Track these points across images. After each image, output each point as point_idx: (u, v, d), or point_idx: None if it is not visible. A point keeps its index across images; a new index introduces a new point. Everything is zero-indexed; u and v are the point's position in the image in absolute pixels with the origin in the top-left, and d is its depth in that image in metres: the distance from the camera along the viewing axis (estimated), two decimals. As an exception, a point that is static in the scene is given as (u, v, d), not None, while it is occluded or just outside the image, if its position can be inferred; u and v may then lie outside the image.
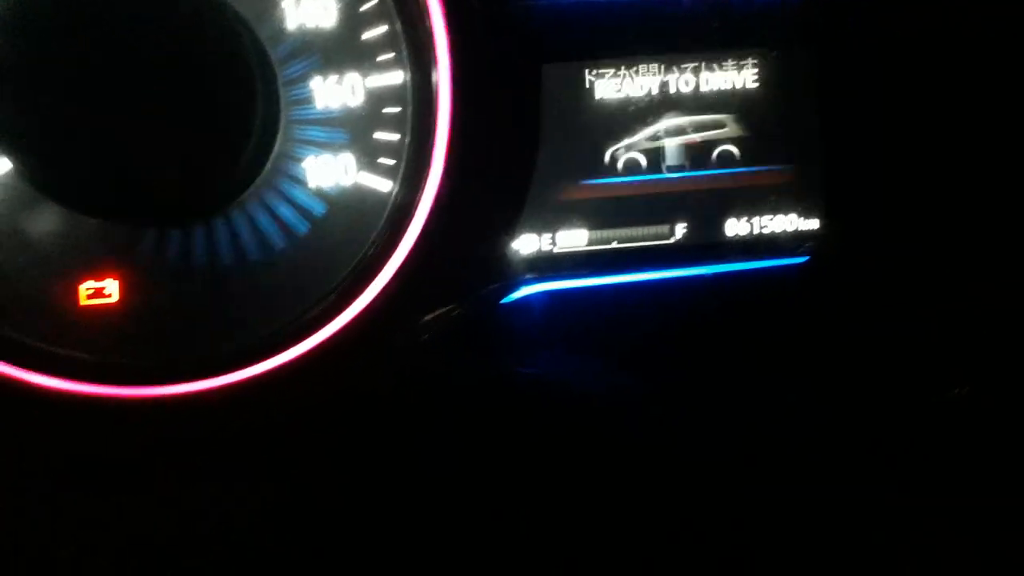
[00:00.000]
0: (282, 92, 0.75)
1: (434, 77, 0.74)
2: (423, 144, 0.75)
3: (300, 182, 0.77)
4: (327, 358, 0.73)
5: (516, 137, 0.80)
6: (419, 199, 0.75)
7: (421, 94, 0.75)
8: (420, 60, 0.74)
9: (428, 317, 0.77)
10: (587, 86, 0.83)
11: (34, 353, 0.69)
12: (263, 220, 0.76)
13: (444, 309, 0.78)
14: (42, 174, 0.69)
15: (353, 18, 0.76)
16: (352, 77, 0.77)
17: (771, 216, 0.88)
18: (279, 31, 0.75)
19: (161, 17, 0.69)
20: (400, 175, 0.76)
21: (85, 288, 0.73)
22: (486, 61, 0.73)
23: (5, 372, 0.68)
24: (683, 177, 0.87)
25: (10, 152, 0.68)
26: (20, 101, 0.67)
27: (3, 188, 0.70)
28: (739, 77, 0.87)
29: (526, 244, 0.84)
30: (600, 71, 0.83)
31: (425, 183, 0.74)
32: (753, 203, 0.88)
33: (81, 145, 0.68)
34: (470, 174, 0.74)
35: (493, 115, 0.75)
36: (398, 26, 0.75)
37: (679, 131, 0.87)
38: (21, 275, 0.72)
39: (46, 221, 0.72)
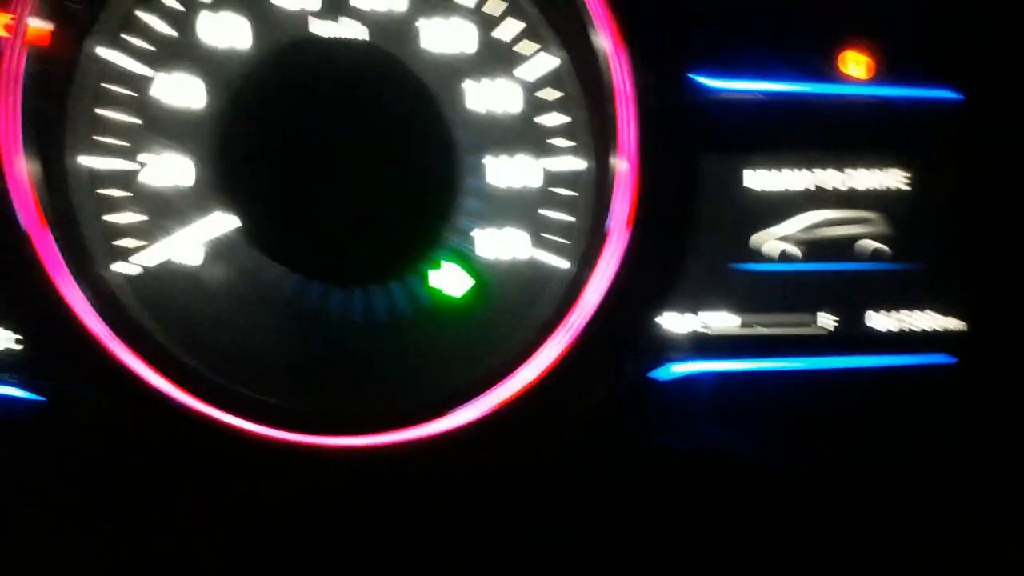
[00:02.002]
0: (464, 169, 0.81)
1: (617, 165, 0.79)
2: (600, 226, 0.80)
3: (472, 252, 0.83)
4: (498, 422, 0.77)
5: (678, 223, 0.84)
6: (592, 278, 0.79)
7: (602, 180, 0.80)
8: (603, 148, 0.80)
9: (588, 389, 0.80)
10: (742, 177, 0.88)
11: (244, 401, 0.75)
12: (437, 285, 0.82)
13: (601, 382, 0.81)
14: (263, 234, 0.76)
15: (536, 106, 0.83)
16: (528, 159, 0.84)
17: (914, 312, 0.90)
18: (466, 114, 0.82)
19: (373, 103, 0.77)
20: (574, 254, 0.82)
21: (285, 339, 0.79)
22: (666, 153, 0.78)
23: (218, 418, 0.73)
24: (828, 269, 0.89)
25: (239, 212, 0.75)
26: (255, 172, 0.76)
27: (226, 242, 0.78)
28: (886, 176, 0.90)
29: (676, 324, 0.87)
30: (755, 163, 0.88)
31: (599, 263, 0.79)
32: (897, 298, 0.90)
33: (298, 211, 0.76)
34: (642, 257, 0.79)
35: (665, 203, 0.79)
36: (582, 116, 0.82)
37: (826, 224, 0.90)
38: (230, 325, 0.79)
39: (258, 276, 0.79)
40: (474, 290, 0.83)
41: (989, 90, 0.90)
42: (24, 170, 0.73)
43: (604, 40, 0.79)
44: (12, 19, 0.71)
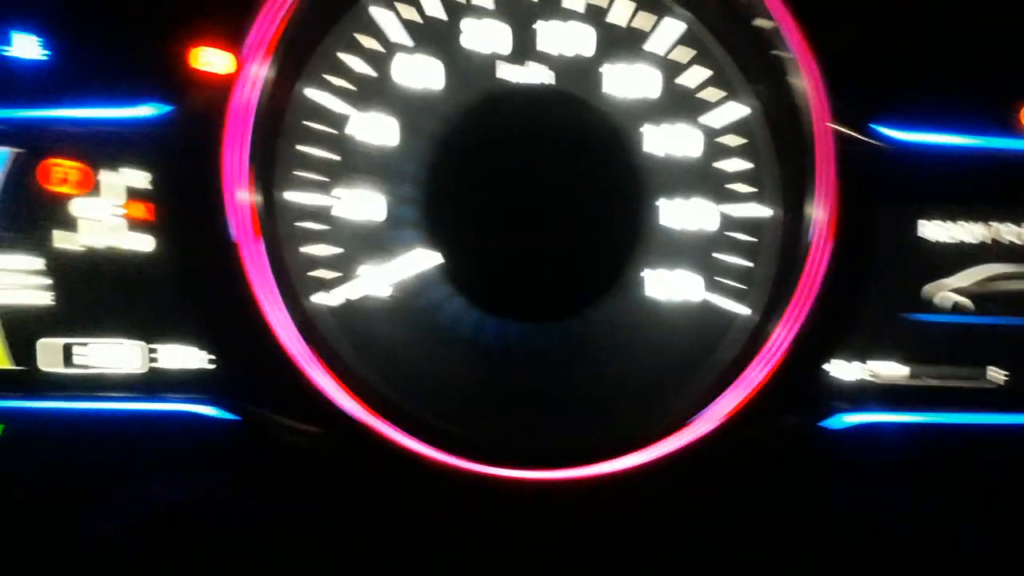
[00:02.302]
0: (642, 210, 0.83)
1: (813, 214, 0.80)
2: (789, 274, 0.80)
3: (646, 293, 0.84)
4: (674, 465, 0.78)
5: (858, 273, 0.83)
6: (778, 325, 0.80)
7: (792, 228, 0.81)
8: (794, 197, 0.81)
9: (765, 435, 0.80)
10: (917, 227, 0.87)
11: (435, 431, 0.78)
12: (617, 323, 0.84)
13: (778, 429, 0.81)
14: (461, 272, 0.79)
15: (717, 151, 0.84)
16: (705, 203, 0.85)
17: (1093, 372, 0.88)
18: (644, 157, 0.84)
19: (564, 146, 0.80)
20: (755, 300, 0.83)
21: (468, 371, 0.82)
22: (856, 202, 0.79)
23: (414, 449, 0.77)
24: (1001, 323, 0.88)
25: (442, 250, 0.79)
26: (457, 211, 0.79)
27: (427, 278, 0.82)
28: (1062, 231, 0.88)
29: (846, 372, 0.87)
30: (930, 214, 0.87)
31: (788, 312, 0.80)
32: (1073, 356, 0.88)
33: (494, 250, 0.79)
34: (826, 307, 0.79)
35: (851, 252, 0.80)
36: (769, 162, 0.83)
37: (1000, 278, 0.88)
38: (417, 356, 0.82)
39: (442, 309, 0.82)
40: (647, 330, 0.84)
41: None
42: (245, 202, 0.77)
43: (804, 88, 0.80)
44: (237, 60, 0.76)
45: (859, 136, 0.81)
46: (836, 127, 0.79)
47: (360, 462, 0.77)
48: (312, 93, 0.82)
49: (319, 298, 0.82)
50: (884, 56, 0.84)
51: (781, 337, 0.79)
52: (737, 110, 0.84)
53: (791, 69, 0.80)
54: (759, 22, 0.81)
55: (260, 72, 0.77)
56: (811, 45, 0.78)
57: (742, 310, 0.83)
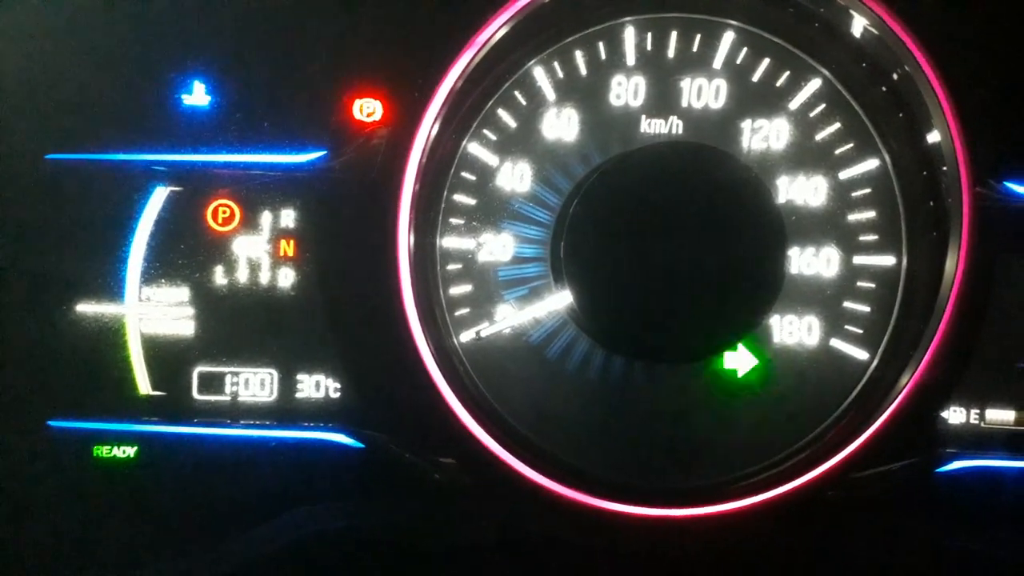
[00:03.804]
0: (784, 260, 0.85)
1: (945, 265, 0.83)
2: (915, 324, 0.84)
3: (771, 337, 0.88)
4: (790, 509, 0.82)
5: (979, 323, 0.85)
6: (901, 374, 0.83)
7: (920, 278, 0.84)
8: (924, 247, 0.84)
9: (880, 481, 0.84)
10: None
11: (568, 469, 0.84)
12: (734, 367, 0.88)
13: (893, 475, 0.84)
14: (593, 315, 0.83)
15: (847, 202, 0.87)
16: (834, 252, 0.88)
17: None
18: (784, 209, 0.87)
19: (704, 197, 0.82)
20: (881, 349, 0.86)
21: (591, 409, 0.87)
22: (988, 254, 0.82)
23: (536, 479, 0.82)
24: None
25: (576, 293, 0.82)
26: (596, 259, 0.82)
27: (558, 319, 0.87)
28: None
29: (961, 419, 0.89)
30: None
31: (909, 360, 0.83)
32: None
33: (628, 297, 0.82)
34: (947, 356, 0.82)
35: (973, 304, 0.83)
36: (898, 214, 0.86)
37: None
38: (545, 393, 0.87)
39: (580, 353, 0.87)
40: (772, 374, 0.87)
41: None
42: (408, 245, 0.82)
43: (940, 136, 0.83)
44: (399, 112, 0.81)
45: (991, 192, 0.83)
46: (971, 183, 0.81)
47: (494, 495, 0.82)
48: (475, 148, 0.87)
49: (462, 336, 0.87)
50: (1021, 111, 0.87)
51: (903, 385, 0.82)
52: (868, 163, 0.87)
53: (926, 124, 0.83)
54: (896, 75, 0.84)
55: (430, 127, 0.82)
56: (950, 99, 0.80)
57: (862, 355, 0.87)
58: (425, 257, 0.85)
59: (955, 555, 0.85)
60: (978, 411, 0.90)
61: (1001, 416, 0.90)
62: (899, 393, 0.83)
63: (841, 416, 0.86)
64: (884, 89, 0.86)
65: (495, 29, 0.82)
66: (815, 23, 0.86)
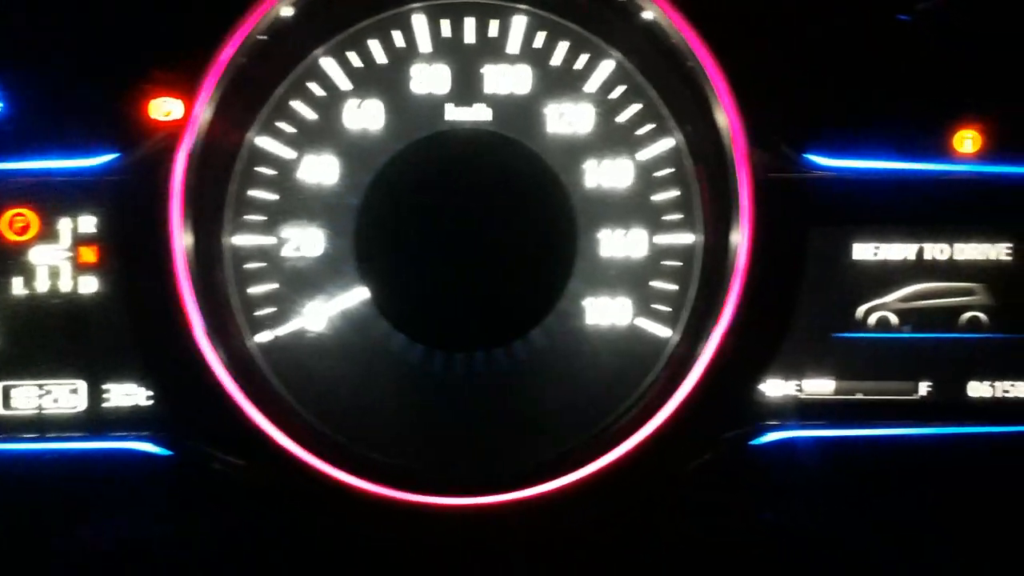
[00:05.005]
0: (578, 242, 0.87)
1: (733, 239, 0.84)
2: (712, 298, 0.85)
3: (580, 320, 0.88)
4: (600, 486, 0.82)
5: (785, 294, 0.87)
6: (701, 348, 0.84)
7: (714, 253, 0.85)
8: (715, 223, 0.85)
9: (690, 455, 0.85)
10: (851, 250, 0.90)
11: (366, 463, 0.83)
12: (544, 351, 0.88)
13: (703, 449, 0.85)
14: (391, 305, 0.83)
15: (650, 182, 0.88)
16: (641, 232, 0.88)
17: (1018, 383, 0.92)
18: (584, 191, 0.88)
19: (498, 185, 0.84)
20: (682, 324, 0.87)
21: (404, 402, 0.86)
22: (777, 227, 0.83)
23: (334, 475, 0.81)
24: (930, 338, 0.91)
25: (371, 285, 0.83)
26: (387, 248, 0.83)
27: (355, 312, 0.86)
28: (992, 249, 0.91)
29: (776, 391, 0.90)
30: (863, 237, 0.90)
31: (709, 334, 0.84)
32: (998, 368, 0.91)
33: (425, 284, 0.83)
34: (748, 328, 0.83)
35: (774, 275, 0.84)
36: (695, 191, 0.87)
37: (930, 295, 0.92)
38: (355, 390, 0.86)
39: (381, 343, 0.86)
40: (579, 355, 0.88)
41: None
42: (183, 246, 0.80)
43: (724, 119, 0.84)
44: (185, 105, 0.80)
45: (781, 162, 0.85)
46: (754, 154, 0.82)
47: (292, 494, 0.82)
48: (262, 141, 0.86)
49: (259, 336, 0.86)
50: (816, 85, 0.87)
51: (704, 359, 0.83)
52: (665, 142, 0.88)
53: (713, 106, 0.84)
54: (685, 61, 0.85)
55: (208, 119, 0.81)
56: (729, 81, 0.82)
57: (666, 332, 0.88)
58: (211, 256, 0.84)
59: (767, 529, 0.87)
60: (797, 383, 0.92)
61: (820, 387, 0.92)
62: (700, 368, 0.84)
63: (644, 394, 0.87)
64: (675, 73, 0.87)
65: (273, 15, 0.81)
66: (606, 8, 0.86)
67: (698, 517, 0.86)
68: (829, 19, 0.87)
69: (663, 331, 0.88)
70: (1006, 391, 0.92)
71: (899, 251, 0.91)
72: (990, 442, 0.91)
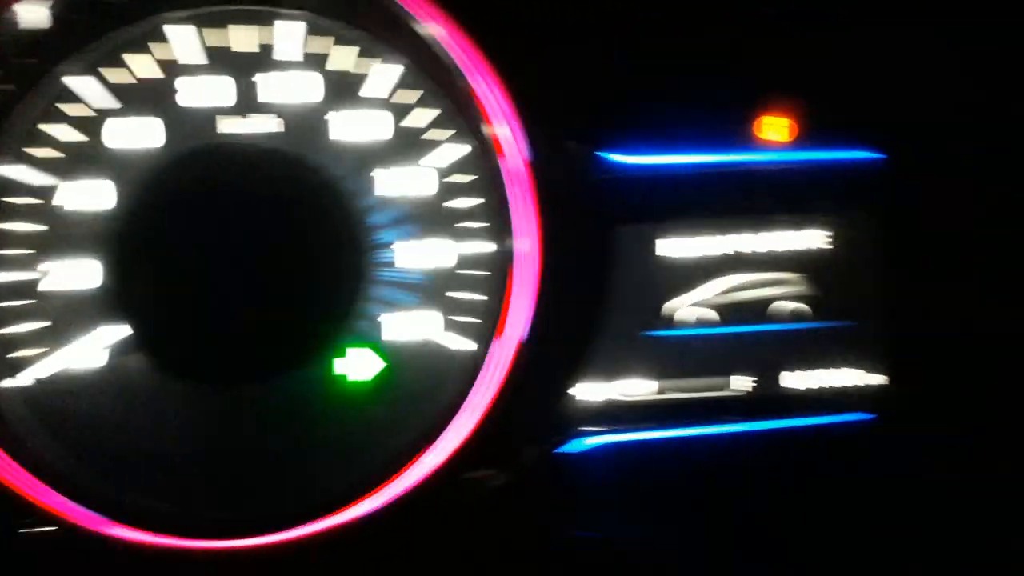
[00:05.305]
0: (369, 256, 0.83)
1: (522, 246, 0.81)
2: (503, 305, 0.81)
3: (379, 337, 0.84)
4: (398, 512, 0.79)
5: (585, 296, 0.85)
6: (495, 356, 0.81)
7: (506, 262, 0.82)
8: (504, 230, 0.82)
9: (495, 468, 0.82)
10: (655, 247, 0.88)
11: (121, 507, 0.76)
12: (342, 372, 0.83)
13: (509, 461, 0.83)
14: (153, 340, 0.78)
15: (447, 190, 0.84)
16: (439, 242, 0.85)
17: (834, 371, 0.91)
18: (377, 200, 0.84)
19: (276, 201, 0.78)
20: (480, 333, 0.83)
21: (170, 440, 0.80)
22: (568, 229, 0.80)
23: (97, 528, 0.75)
24: (746, 331, 0.90)
25: (131, 318, 0.77)
26: (153, 277, 0.77)
27: (120, 347, 0.79)
28: (805, 238, 0.90)
29: (587, 395, 0.88)
30: (668, 233, 0.88)
31: (501, 341, 0.81)
32: (816, 358, 0.91)
33: (193, 316, 0.77)
34: (547, 332, 0.81)
35: (574, 277, 0.82)
36: (489, 199, 0.83)
37: (744, 287, 0.90)
38: (130, 431, 0.80)
39: (143, 381, 0.80)
40: (381, 375, 0.84)
41: (910, 148, 0.89)
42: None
43: (501, 126, 0.80)
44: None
45: (572, 165, 0.82)
46: (535, 160, 0.79)
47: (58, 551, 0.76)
48: (9, 170, 0.79)
49: (10, 382, 0.79)
50: (607, 89, 0.85)
51: (500, 367, 0.80)
52: (459, 149, 0.84)
53: (492, 117, 0.80)
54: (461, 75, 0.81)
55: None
56: (509, 92, 0.79)
57: (470, 344, 0.84)
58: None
59: (570, 542, 0.85)
60: (611, 386, 0.89)
61: (639, 388, 0.90)
62: (498, 380, 0.80)
63: (448, 409, 0.83)
64: (460, 81, 0.82)
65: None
66: (386, 16, 0.81)
67: (500, 535, 0.83)
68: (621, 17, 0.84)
69: (466, 344, 0.84)
70: (821, 380, 0.91)
71: (708, 245, 0.90)
72: (806, 432, 0.90)
